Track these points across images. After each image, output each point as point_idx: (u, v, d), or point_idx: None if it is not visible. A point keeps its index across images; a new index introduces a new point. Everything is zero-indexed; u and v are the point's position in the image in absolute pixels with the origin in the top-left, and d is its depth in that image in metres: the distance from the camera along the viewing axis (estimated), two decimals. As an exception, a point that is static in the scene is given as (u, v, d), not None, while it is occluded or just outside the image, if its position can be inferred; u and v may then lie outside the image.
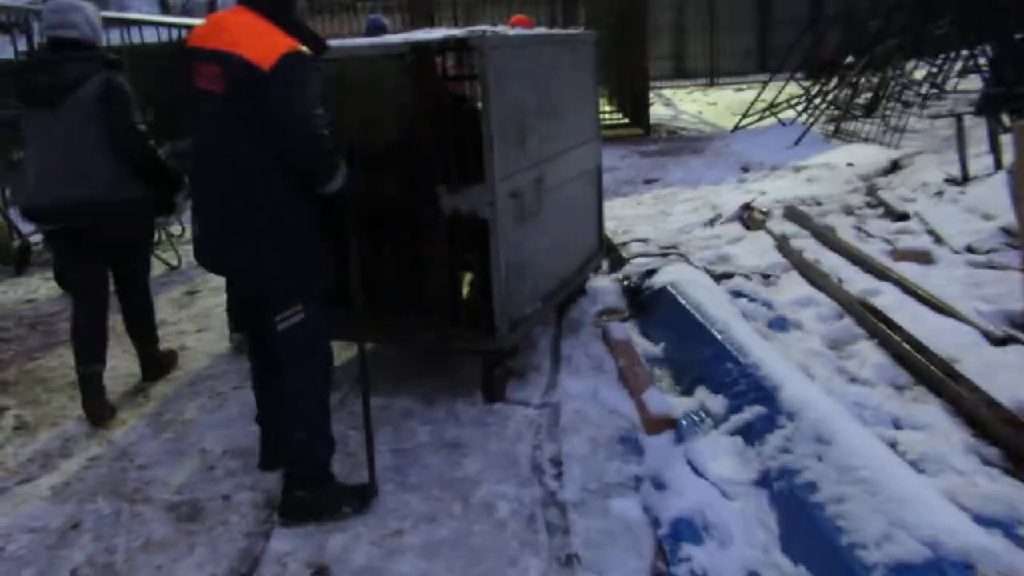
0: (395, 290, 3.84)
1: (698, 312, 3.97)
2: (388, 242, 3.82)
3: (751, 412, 3.01)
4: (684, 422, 3.32)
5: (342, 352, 4.49)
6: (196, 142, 2.84)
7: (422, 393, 3.99)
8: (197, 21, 14.51)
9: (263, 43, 2.54)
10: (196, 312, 5.58)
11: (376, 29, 6.01)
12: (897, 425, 3.27)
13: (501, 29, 3.62)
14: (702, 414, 3.32)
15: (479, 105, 3.49)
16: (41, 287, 6.47)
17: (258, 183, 2.67)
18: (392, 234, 3.80)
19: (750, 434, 2.94)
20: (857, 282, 4.85)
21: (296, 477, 2.99)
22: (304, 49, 2.60)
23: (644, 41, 12.62)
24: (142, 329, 4.38)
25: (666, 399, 3.52)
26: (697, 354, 3.75)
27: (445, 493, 3.13)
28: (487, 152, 3.46)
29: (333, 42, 3.77)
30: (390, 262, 3.84)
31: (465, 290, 4.03)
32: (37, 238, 7.34)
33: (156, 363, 4.44)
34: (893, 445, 2.94)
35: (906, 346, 3.83)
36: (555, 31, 4.48)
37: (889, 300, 4.49)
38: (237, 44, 2.55)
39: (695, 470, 2.95)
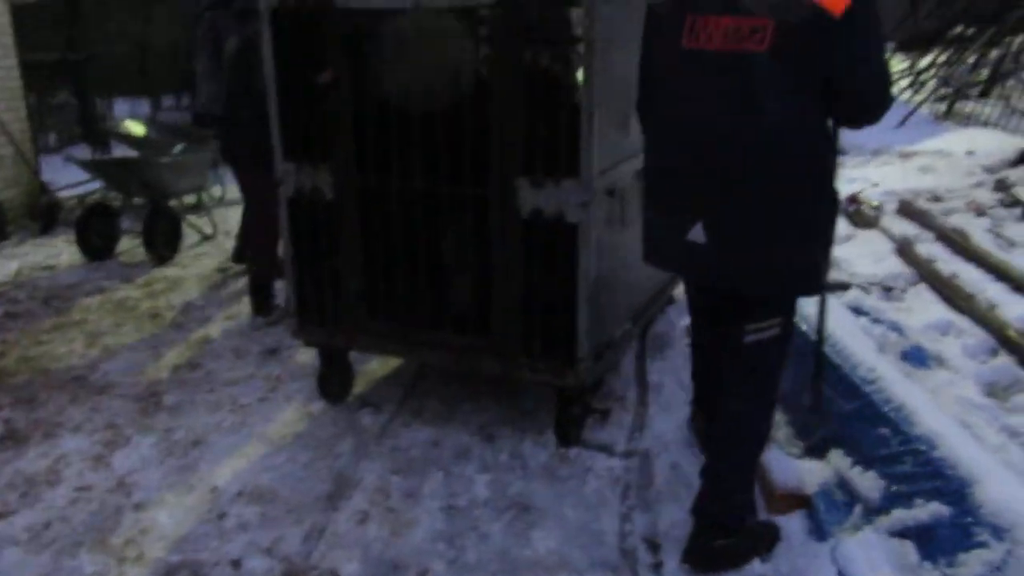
0: (454, 304, 3.13)
1: (829, 347, 3.17)
2: (447, 245, 3.09)
3: (928, 511, 2.23)
4: (821, 503, 2.56)
5: (383, 366, 3.82)
6: (683, 118, 2.25)
7: (480, 425, 3.29)
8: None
9: None
10: (226, 295, 4.95)
11: None
12: (1106, 525, 2.48)
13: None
14: (846, 494, 2.55)
15: (575, 79, 2.71)
16: (64, 251, 5.91)
17: (800, 161, 2.16)
18: (452, 234, 3.07)
19: (929, 544, 2.17)
20: (1009, 305, 3.98)
21: (718, 524, 2.41)
22: None
23: None
24: None
25: (793, 464, 2.76)
26: (830, 403, 2.96)
27: (510, 582, 2.44)
28: (584, 138, 2.69)
29: None
30: (448, 270, 3.12)
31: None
32: (66, 194, 6.81)
33: None
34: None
35: (1094, 404, 3.02)
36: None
37: (1057, 334, 3.64)
38: None
39: (846, 582, 2.20)
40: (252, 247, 4.65)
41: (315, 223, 3.25)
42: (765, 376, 2.42)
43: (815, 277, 2.31)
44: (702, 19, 2.14)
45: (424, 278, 3.14)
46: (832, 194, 2.28)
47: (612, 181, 2.92)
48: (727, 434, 2.47)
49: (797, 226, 2.20)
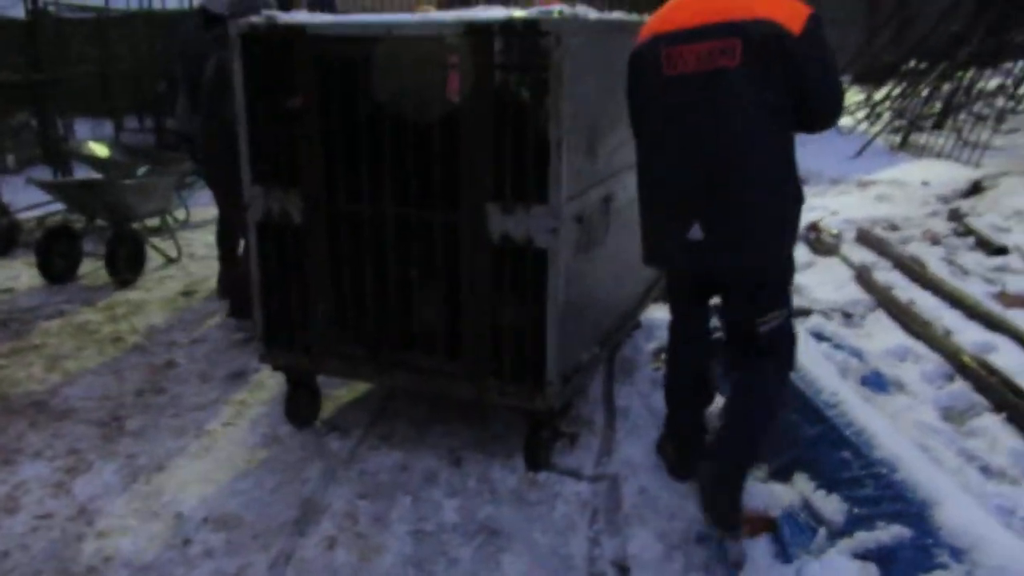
0: (424, 328, 3.13)
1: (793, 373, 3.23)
2: (417, 269, 3.10)
3: (890, 533, 2.28)
4: (786, 526, 2.60)
5: (352, 390, 3.81)
6: (670, 134, 2.58)
7: (449, 449, 3.29)
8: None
9: (783, 8, 2.40)
10: (191, 319, 4.89)
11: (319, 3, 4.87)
12: (1059, 545, 2.55)
13: (571, 9, 2.89)
14: (810, 517, 2.59)
15: (544, 106, 2.76)
16: (23, 274, 5.81)
17: (779, 160, 2.52)
18: (423, 260, 3.09)
19: (891, 565, 2.21)
20: (964, 332, 4.11)
21: (739, 486, 2.66)
22: None
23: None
24: None
25: (758, 488, 2.79)
26: (793, 426, 3.02)
27: (479, 606, 2.44)
28: (553, 165, 2.74)
29: (370, 17, 3.10)
30: (418, 294, 3.12)
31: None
32: (26, 215, 6.70)
33: None
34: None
35: (1047, 427, 3.12)
36: (631, 17, 3.73)
37: (1010, 359, 3.74)
38: (754, 11, 2.38)
39: (811, 604, 2.24)
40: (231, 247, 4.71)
41: (283, 247, 3.25)
42: (783, 354, 2.77)
43: (790, 259, 2.71)
44: (675, 49, 2.49)
45: (394, 301, 3.15)
46: (799, 188, 2.60)
47: (581, 207, 2.96)
48: (750, 405, 2.74)
49: (774, 218, 2.54)
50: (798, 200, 2.60)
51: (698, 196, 2.53)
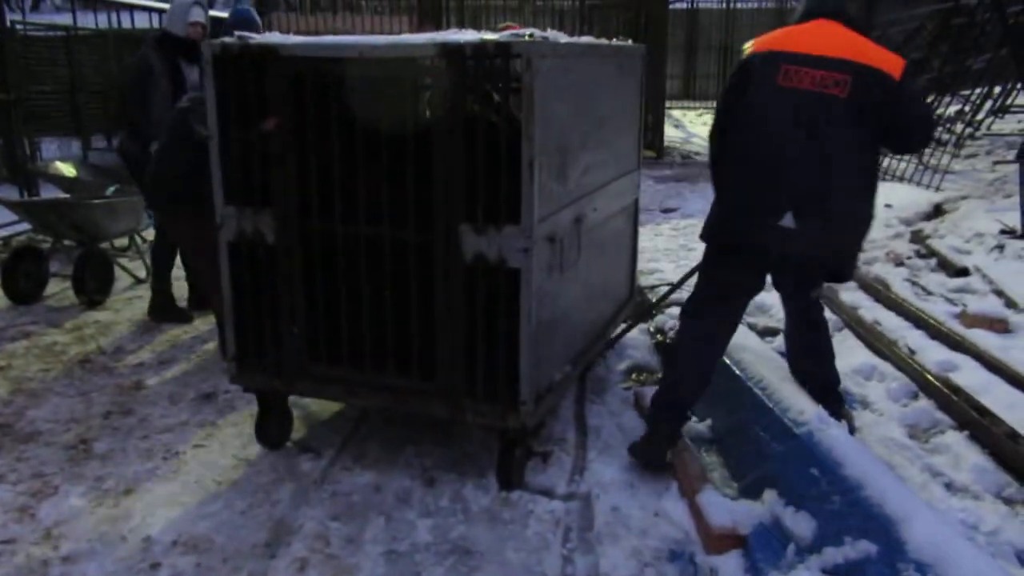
0: (397, 347, 3.13)
1: (760, 389, 3.28)
2: (390, 289, 3.10)
3: (857, 549, 2.31)
4: (756, 542, 2.63)
5: (323, 409, 3.79)
6: (775, 133, 2.95)
7: (422, 469, 3.29)
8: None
9: (887, 57, 2.90)
10: (160, 340, 4.84)
11: (242, 23, 4.58)
12: (1021, 559, 2.61)
13: (542, 33, 2.94)
14: (780, 534, 2.63)
15: (514, 127, 2.80)
16: (-12, 295, 5.71)
17: (865, 174, 3.02)
18: (396, 280, 3.09)
19: (858, 581, 2.25)
20: (927, 351, 4.19)
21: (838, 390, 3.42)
22: None
23: (663, 59, 11.98)
24: None
25: (728, 505, 2.83)
26: (763, 445, 3.06)
27: (452, 626, 2.43)
28: (525, 186, 2.77)
29: (344, 38, 3.13)
30: (392, 313, 3.12)
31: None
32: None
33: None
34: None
35: (1009, 442, 3.19)
36: (602, 41, 3.79)
37: (972, 377, 3.83)
38: (868, 56, 2.87)
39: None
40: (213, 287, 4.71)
41: (256, 267, 3.24)
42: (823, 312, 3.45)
43: (855, 259, 3.21)
44: (795, 68, 2.91)
45: (367, 322, 3.15)
46: (872, 208, 3.11)
47: (552, 228, 3.00)
48: (824, 349, 3.42)
49: (853, 223, 3.04)
50: (871, 218, 3.11)
51: (793, 191, 2.92)
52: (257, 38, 3.10)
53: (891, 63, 2.87)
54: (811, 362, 3.41)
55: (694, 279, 3.38)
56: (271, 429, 3.46)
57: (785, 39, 3.01)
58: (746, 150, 3.04)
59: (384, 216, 3.03)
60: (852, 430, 3.27)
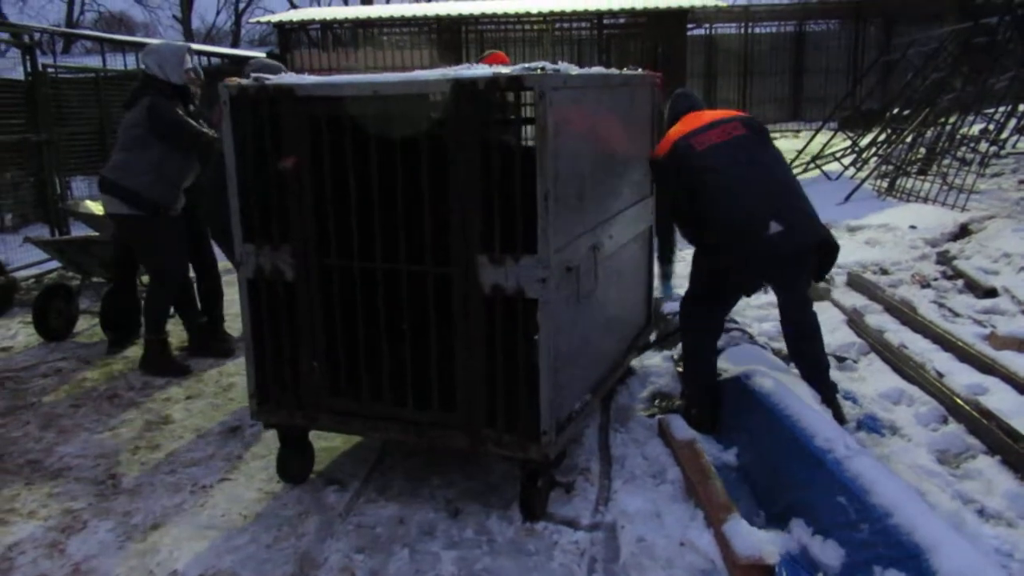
0: (416, 380, 3.14)
1: (786, 416, 3.25)
2: (409, 323, 3.12)
3: (887, 578, 2.29)
4: (784, 572, 2.59)
5: (347, 441, 3.81)
6: (735, 168, 3.61)
7: (446, 500, 3.29)
8: (221, 49, 14.16)
9: (740, 112, 4.02)
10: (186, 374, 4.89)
11: (265, 68, 4.77)
12: (1057, 587, 2.55)
13: (561, 67, 2.97)
14: (807, 563, 2.59)
15: (529, 157, 2.82)
16: (20, 332, 5.83)
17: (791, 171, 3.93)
18: (414, 312, 3.11)
19: (888, 611, 2.22)
20: (956, 374, 4.14)
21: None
22: None
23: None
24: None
25: (755, 534, 2.79)
26: (790, 473, 3.03)
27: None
28: (541, 216, 2.79)
29: (357, 77, 3.18)
30: (410, 346, 3.14)
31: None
32: (23, 274, 6.74)
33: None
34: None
35: (1041, 468, 3.13)
36: (613, 71, 3.83)
37: (1003, 401, 3.78)
38: (734, 112, 3.93)
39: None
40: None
41: (275, 303, 3.26)
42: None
43: (831, 235, 3.75)
44: (702, 136, 3.70)
45: (387, 355, 3.16)
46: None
47: (570, 257, 3.01)
48: (817, 347, 3.78)
49: (810, 205, 3.68)
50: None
51: (766, 203, 3.53)
52: (273, 79, 3.16)
53: (745, 113, 3.97)
54: (805, 344, 3.82)
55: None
56: (293, 465, 3.47)
57: (680, 130, 3.79)
58: (720, 197, 3.59)
59: (401, 250, 3.05)
60: (841, 420, 3.59)
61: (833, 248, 3.70)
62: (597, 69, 3.72)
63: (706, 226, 3.66)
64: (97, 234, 6.36)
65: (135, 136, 4.74)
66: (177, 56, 4.86)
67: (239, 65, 5.38)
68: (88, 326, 5.76)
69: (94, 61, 11.20)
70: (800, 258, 3.65)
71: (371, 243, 3.10)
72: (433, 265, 3.02)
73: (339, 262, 3.15)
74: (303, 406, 3.31)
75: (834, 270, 6.35)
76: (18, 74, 8.80)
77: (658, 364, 4.52)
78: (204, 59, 12.22)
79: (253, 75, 3.19)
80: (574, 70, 3.08)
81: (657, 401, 4.21)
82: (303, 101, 3.03)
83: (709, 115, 3.85)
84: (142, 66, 4.95)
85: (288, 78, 3.20)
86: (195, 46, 13.72)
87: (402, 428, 3.19)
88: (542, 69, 2.81)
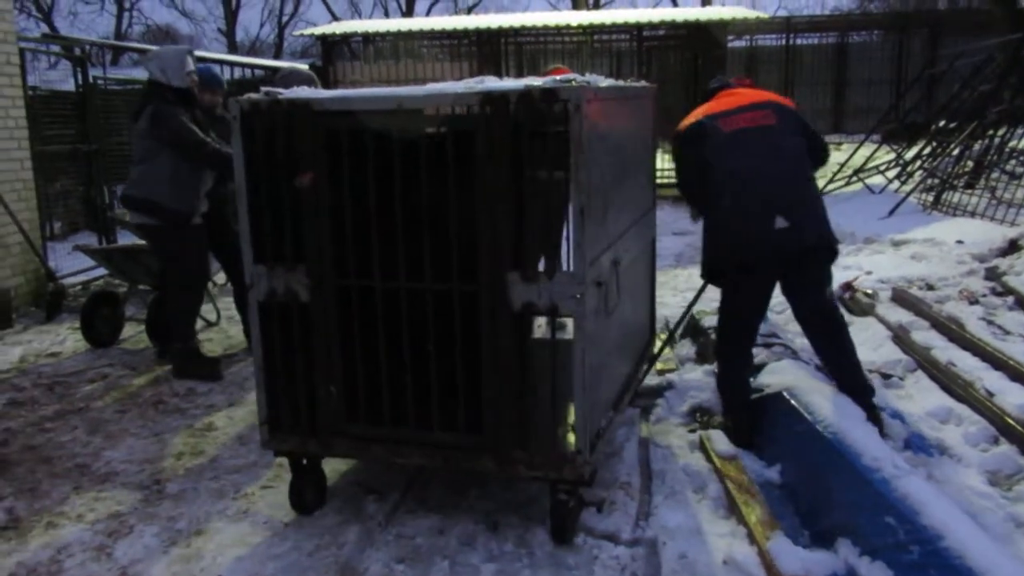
0: (442, 402, 3.07)
1: (831, 434, 3.20)
2: (433, 343, 3.04)
3: (937, 602, 2.24)
4: (830, 593, 2.55)
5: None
6: (753, 158, 3.60)
7: (486, 512, 3.28)
8: (264, 61, 14.36)
9: (782, 96, 3.96)
10: (230, 381, 4.97)
11: (292, 77, 4.82)
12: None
13: (590, 79, 2.95)
14: (855, 584, 2.54)
15: (563, 173, 2.80)
16: (68, 338, 5.96)
17: (808, 171, 3.75)
18: (439, 333, 3.03)
19: (940, 637, 2.17)
20: (1008, 393, 4.03)
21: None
22: None
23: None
24: None
25: (800, 553, 2.75)
26: (835, 492, 2.98)
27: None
28: (577, 231, 2.77)
29: (384, 90, 3.13)
30: (436, 367, 3.06)
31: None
32: (71, 280, 6.89)
33: None
34: None
35: (1098, 493, 3.04)
36: (626, 83, 3.83)
37: (1056, 422, 3.67)
38: (772, 97, 3.88)
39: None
40: None
41: (288, 326, 3.13)
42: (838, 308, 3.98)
43: (834, 236, 3.74)
44: (731, 118, 3.69)
45: (409, 377, 3.07)
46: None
47: (598, 272, 2.95)
48: (848, 347, 3.77)
49: (822, 205, 3.70)
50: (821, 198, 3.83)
51: (776, 197, 3.52)
52: (286, 93, 3.05)
53: (787, 100, 3.90)
54: (843, 360, 3.76)
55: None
56: (305, 494, 3.35)
57: (711, 108, 3.79)
58: (728, 185, 3.59)
59: (425, 268, 2.96)
60: (882, 433, 3.46)
61: (833, 254, 3.69)
62: (608, 80, 3.65)
63: (715, 208, 3.64)
64: (144, 243, 6.49)
65: (147, 148, 4.83)
66: (178, 59, 4.89)
67: (272, 75, 5.44)
68: (134, 333, 5.87)
69: (141, 73, 11.44)
70: (804, 258, 3.59)
71: (394, 261, 2.99)
72: (460, 283, 2.93)
73: (358, 282, 3.06)
74: (318, 432, 3.19)
75: (879, 285, 6.28)
76: (69, 86, 9.05)
77: (699, 378, 4.48)
78: (247, 71, 12.43)
79: (264, 89, 3.08)
80: (603, 82, 3.07)
81: (698, 415, 4.17)
82: (320, 115, 2.94)
83: (744, 96, 3.81)
84: (146, 72, 4.98)
85: (303, 92, 3.09)
86: (239, 58, 13.99)
87: (426, 453, 3.10)
88: (574, 81, 2.78)
